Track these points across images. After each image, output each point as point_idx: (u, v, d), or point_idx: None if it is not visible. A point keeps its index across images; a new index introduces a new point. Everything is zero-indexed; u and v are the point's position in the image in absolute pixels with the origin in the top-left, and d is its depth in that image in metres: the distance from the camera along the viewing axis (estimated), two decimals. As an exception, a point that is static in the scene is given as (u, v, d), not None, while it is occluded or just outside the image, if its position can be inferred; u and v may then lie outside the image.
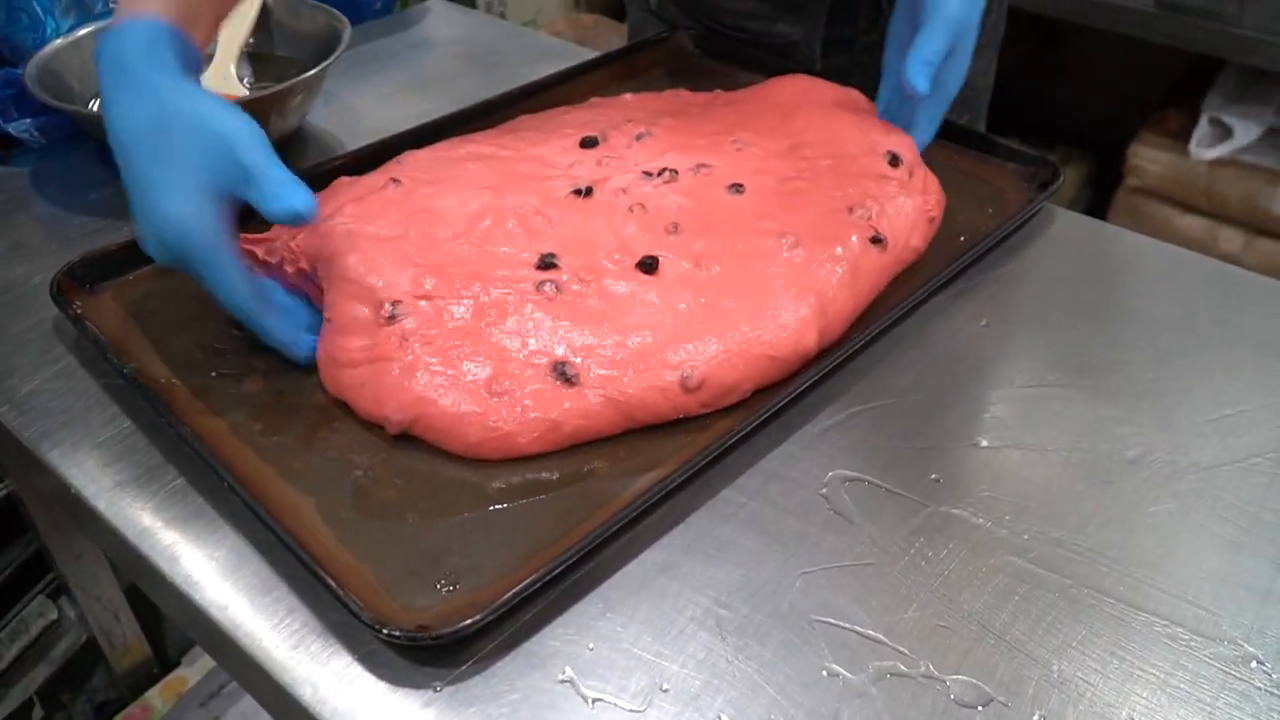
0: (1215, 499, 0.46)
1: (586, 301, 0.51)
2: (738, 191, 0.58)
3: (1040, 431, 0.49)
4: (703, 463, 0.45)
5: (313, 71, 0.69)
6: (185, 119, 0.47)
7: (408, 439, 0.48)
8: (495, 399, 0.47)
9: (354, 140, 0.73)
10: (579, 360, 0.48)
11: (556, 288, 0.51)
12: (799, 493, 0.46)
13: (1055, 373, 0.53)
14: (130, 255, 0.58)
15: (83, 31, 0.74)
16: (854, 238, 0.55)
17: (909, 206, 0.60)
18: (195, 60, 0.51)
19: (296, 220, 0.47)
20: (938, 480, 0.47)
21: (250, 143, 0.47)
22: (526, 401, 0.47)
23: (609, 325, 0.49)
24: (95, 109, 0.73)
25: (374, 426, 0.49)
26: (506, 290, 0.51)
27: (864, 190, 0.59)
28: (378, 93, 0.82)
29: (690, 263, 0.53)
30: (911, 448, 0.48)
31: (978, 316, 0.56)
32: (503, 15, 2.21)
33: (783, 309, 0.51)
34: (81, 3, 0.79)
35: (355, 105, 0.80)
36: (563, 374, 0.48)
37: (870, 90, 0.69)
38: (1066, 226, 0.64)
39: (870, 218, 0.57)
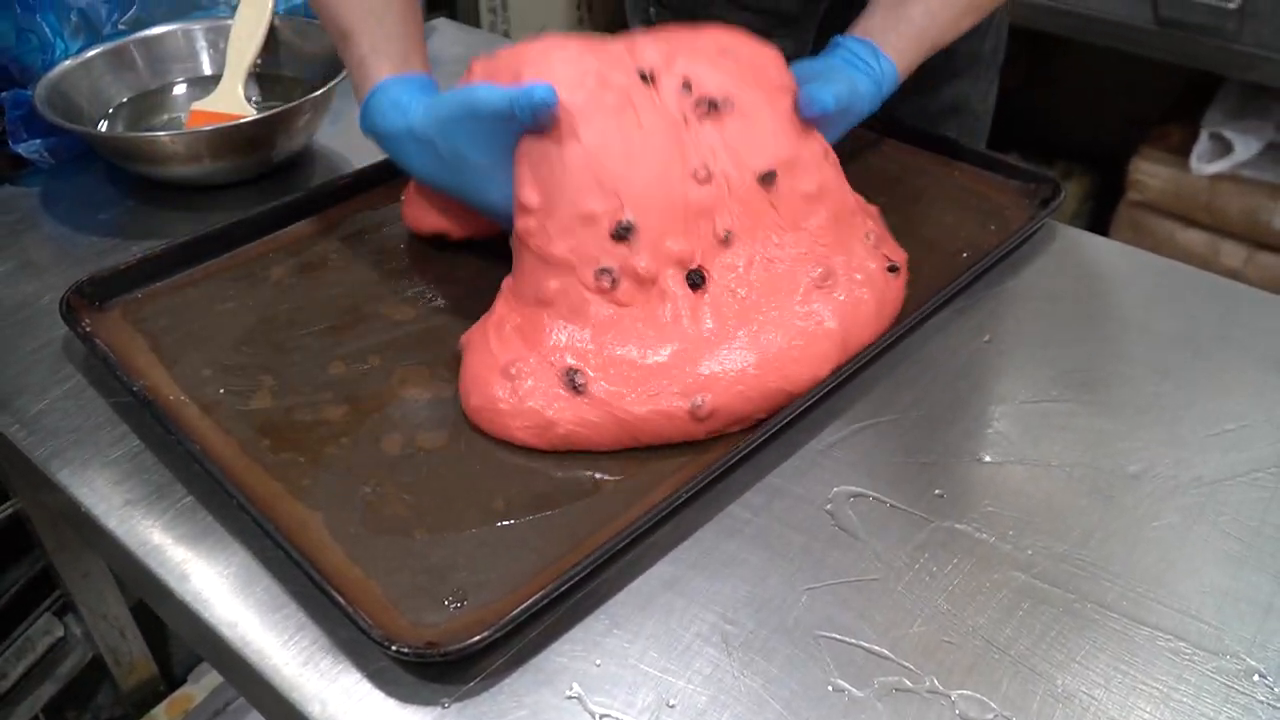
0: (1217, 514, 0.46)
1: (624, 310, 0.50)
2: (769, 183, 0.54)
3: (1043, 447, 0.49)
4: (708, 479, 0.46)
5: (319, 91, 0.70)
6: (444, 132, 0.54)
7: (413, 454, 0.48)
8: (505, 379, 0.49)
9: (360, 158, 0.74)
10: (590, 373, 0.49)
11: (613, 280, 0.50)
12: (804, 508, 0.46)
13: (1057, 388, 0.53)
14: (139, 272, 0.59)
15: (91, 53, 0.75)
16: (872, 265, 0.55)
17: (874, 214, 0.60)
18: (426, 81, 0.59)
19: (549, 107, 0.50)
20: (941, 496, 0.47)
21: (481, 99, 0.52)
22: (528, 393, 0.49)
23: (634, 343, 0.50)
24: (103, 129, 0.74)
25: (380, 442, 0.49)
26: (577, 261, 0.50)
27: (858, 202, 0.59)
28: (383, 112, 0.82)
29: (730, 283, 0.52)
30: (915, 463, 0.49)
31: (980, 332, 0.57)
32: (506, 33, 2.22)
33: (806, 348, 0.51)
34: (90, 24, 0.79)
35: (361, 124, 0.80)
36: (571, 382, 0.49)
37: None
38: (1068, 242, 0.65)
39: (878, 244, 0.57)
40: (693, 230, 0.52)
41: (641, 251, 0.50)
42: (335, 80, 0.71)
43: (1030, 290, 0.60)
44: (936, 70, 0.82)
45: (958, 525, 0.45)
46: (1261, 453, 0.49)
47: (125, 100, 0.76)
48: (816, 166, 0.56)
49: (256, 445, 0.49)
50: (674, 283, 0.51)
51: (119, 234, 0.66)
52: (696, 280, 0.51)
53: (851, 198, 0.59)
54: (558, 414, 0.48)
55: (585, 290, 0.50)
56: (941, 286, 0.58)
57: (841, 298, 0.53)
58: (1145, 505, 0.46)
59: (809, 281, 0.53)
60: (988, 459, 0.49)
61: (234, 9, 0.80)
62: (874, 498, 0.47)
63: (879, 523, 0.45)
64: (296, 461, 0.48)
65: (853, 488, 0.47)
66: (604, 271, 0.50)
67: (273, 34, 0.79)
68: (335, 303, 0.59)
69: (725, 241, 0.52)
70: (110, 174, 0.72)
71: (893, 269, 0.57)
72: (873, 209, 0.63)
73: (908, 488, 0.47)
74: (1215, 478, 0.48)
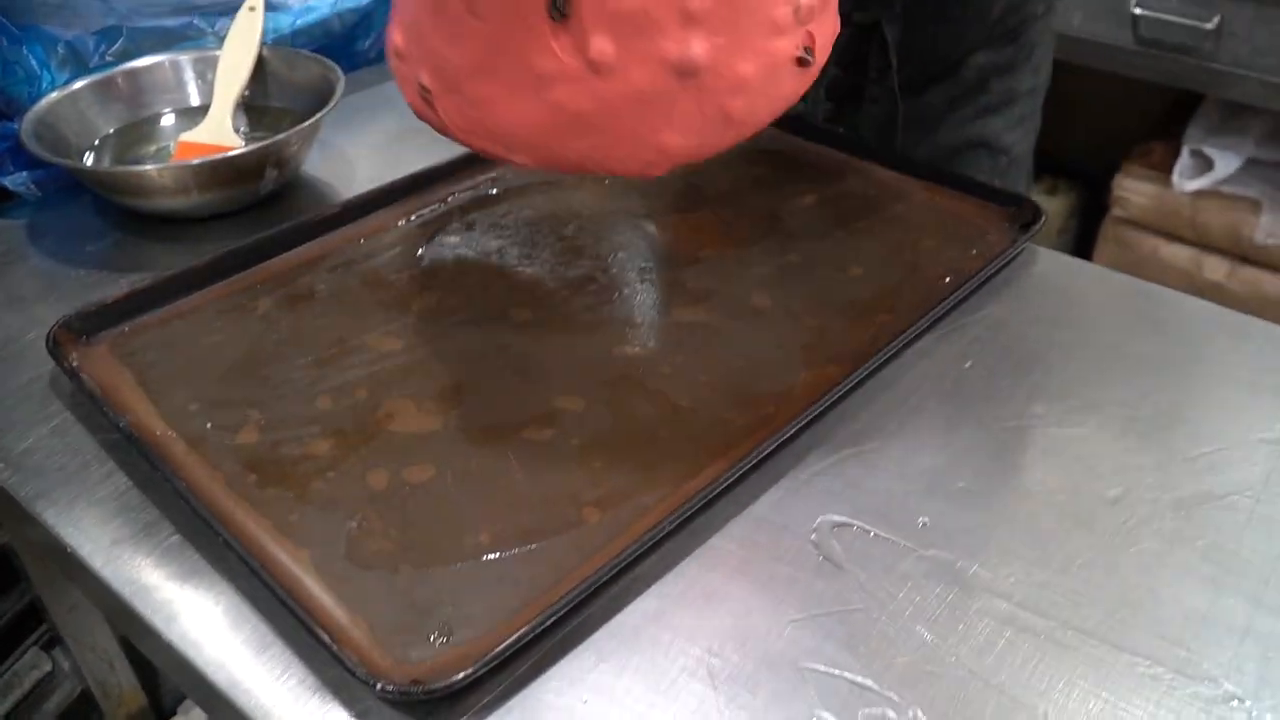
0: (1195, 537, 0.47)
1: (480, 27, 0.44)
2: None
3: (1024, 473, 0.50)
4: (692, 510, 0.46)
5: (307, 123, 0.70)
6: None
7: (399, 487, 0.49)
8: (395, 58, 0.52)
9: (350, 188, 0.74)
10: (436, 98, 0.49)
11: None
12: (788, 538, 0.47)
13: (1038, 414, 0.54)
14: (127, 306, 0.59)
15: (78, 85, 0.75)
16: (776, 51, 0.45)
17: None
18: None
19: None
20: (925, 524, 0.47)
21: None
22: (404, 80, 0.52)
23: (480, 73, 0.45)
24: (90, 161, 0.74)
25: (366, 476, 0.49)
26: None
27: None
28: (372, 140, 0.83)
29: (595, 35, 0.43)
30: (899, 491, 0.49)
31: (962, 358, 0.57)
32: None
33: (631, 149, 0.46)
34: (78, 56, 0.80)
35: (350, 153, 0.81)
36: (423, 95, 0.50)
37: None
38: (1049, 266, 0.65)
39: (810, 13, 0.45)
40: None
41: None
42: (323, 111, 0.72)
43: (1011, 315, 0.61)
44: (963, 105, 0.82)
45: (941, 553, 0.46)
46: (1237, 475, 0.50)
47: (112, 132, 0.77)
48: None
49: (243, 480, 0.49)
50: (532, 4, 0.43)
51: (106, 266, 0.67)
52: (561, 7, 0.43)
53: None
54: (417, 108, 0.51)
55: None
56: (924, 312, 0.58)
57: (702, 110, 0.44)
58: (1125, 530, 0.47)
59: (670, 66, 0.43)
60: (970, 486, 0.49)
61: (222, 40, 0.80)
62: (858, 527, 0.47)
63: (863, 552, 0.46)
64: (283, 497, 0.48)
65: (836, 517, 0.48)
66: None
67: (261, 64, 0.79)
68: (322, 334, 0.59)
69: None
70: (97, 206, 0.72)
71: (803, 61, 0.46)
72: None
73: (891, 516, 0.48)
74: (1193, 501, 0.48)
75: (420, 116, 0.52)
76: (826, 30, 0.47)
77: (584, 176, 0.73)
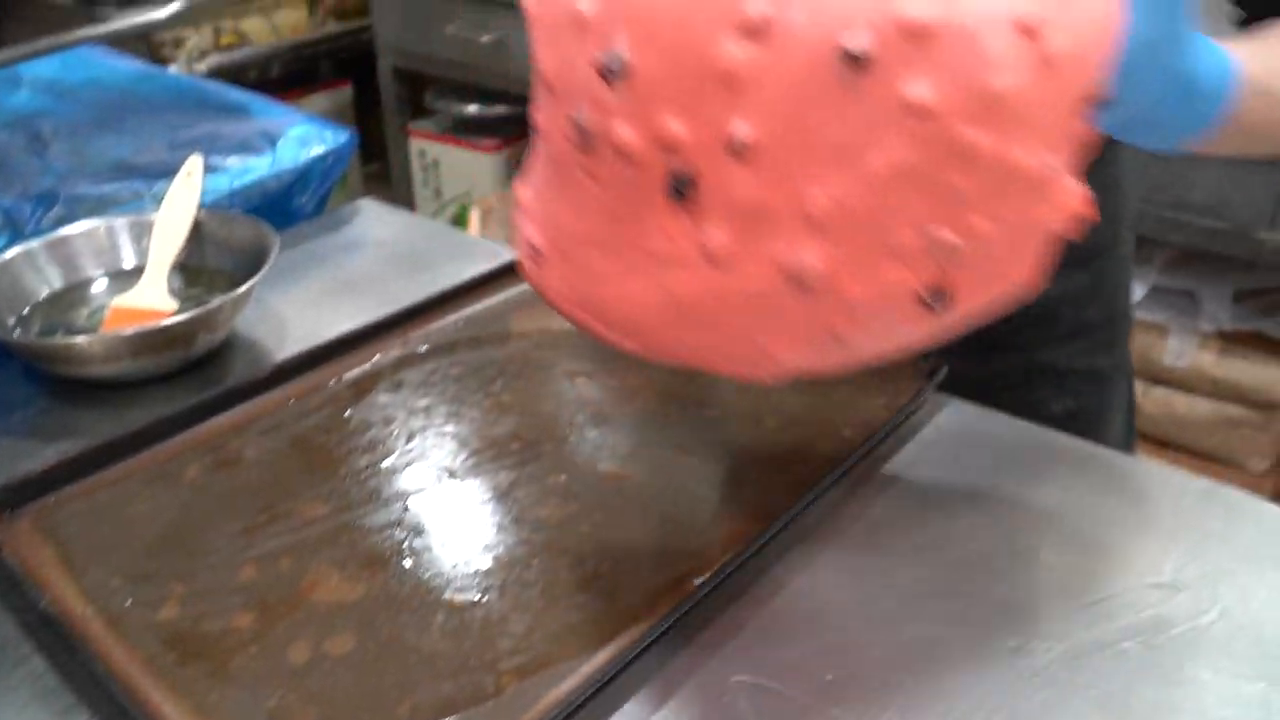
0: (1088, 685, 0.49)
1: (595, 190, 0.41)
2: (855, 68, 0.34)
3: (925, 625, 0.52)
4: (606, 679, 0.47)
5: (239, 291, 0.72)
6: None
7: (320, 660, 0.49)
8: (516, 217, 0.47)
9: (281, 347, 0.76)
10: (544, 255, 0.45)
11: (586, 140, 0.39)
12: (702, 700, 0.48)
13: (941, 565, 0.56)
14: (51, 478, 0.60)
15: (11, 253, 0.77)
16: (903, 283, 0.39)
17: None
18: None
19: None
20: (833, 680, 0.49)
21: None
22: (518, 244, 0.47)
23: (595, 248, 0.43)
24: (19, 331, 0.75)
25: (287, 649, 0.50)
26: (560, 88, 0.41)
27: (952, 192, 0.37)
28: (305, 297, 0.85)
29: (715, 219, 0.39)
30: (808, 648, 0.51)
31: (869, 508, 0.60)
32: (438, 191, 2.31)
33: (744, 367, 0.43)
34: (13, 222, 0.82)
35: (283, 310, 0.83)
36: (534, 259, 0.46)
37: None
38: (954, 414, 0.69)
39: (951, 253, 0.38)
40: (703, 111, 0.37)
41: (628, 112, 0.38)
42: (256, 278, 0.74)
43: (916, 463, 0.64)
44: (1026, 331, 0.78)
45: (847, 711, 0.47)
46: (1127, 621, 0.52)
47: (44, 297, 0.78)
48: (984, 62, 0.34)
49: (163, 659, 0.49)
50: (653, 179, 0.39)
51: (33, 434, 0.67)
52: (681, 188, 0.38)
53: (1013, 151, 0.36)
54: (524, 267, 0.46)
55: (563, 141, 0.41)
56: (834, 466, 0.61)
57: (811, 325, 0.41)
58: (1023, 681, 0.49)
59: (783, 270, 0.39)
60: (874, 639, 0.51)
61: (159, 203, 0.83)
62: (769, 688, 0.48)
63: (773, 712, 0.47)
64: (203, 675, 0.49)
65: (747, 678, 0.49)
66: (580, 127, 0.40)
67: (197, 227, 0.82)
68: (250, 501, 0.60)
69: (737, 153, 0.37)
70: (26, 371, 0.73)
71: (926, 302, 0.39)
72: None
73: (799, 674, 0.49)
74: (1084, 650, 0.51)
75: (526, 278, 0.46)
76: (979, 288, 0.40)
77: (510, 332, 0.76)
